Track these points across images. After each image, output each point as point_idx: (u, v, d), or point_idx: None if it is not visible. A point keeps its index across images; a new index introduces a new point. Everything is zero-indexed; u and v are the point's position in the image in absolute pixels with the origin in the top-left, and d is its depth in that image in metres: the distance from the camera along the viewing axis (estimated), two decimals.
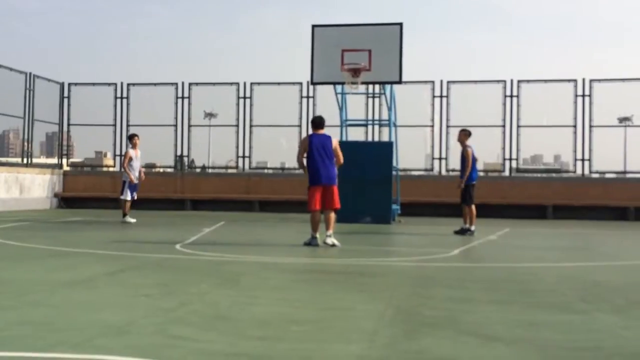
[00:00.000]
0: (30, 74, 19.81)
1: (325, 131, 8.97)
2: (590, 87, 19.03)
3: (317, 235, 8.60)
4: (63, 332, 3.48)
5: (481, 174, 20.21)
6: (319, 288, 5.28)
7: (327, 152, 8.75)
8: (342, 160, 8.92)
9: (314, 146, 8.69)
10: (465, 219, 11.32)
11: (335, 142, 8.89)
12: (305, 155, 8.82)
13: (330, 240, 8.43)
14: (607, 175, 19.47)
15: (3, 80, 18.53)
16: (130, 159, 13.35)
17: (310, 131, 9.13)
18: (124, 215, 13.05)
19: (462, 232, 11.20)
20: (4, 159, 21.17)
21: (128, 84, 21.23)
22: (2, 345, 3.19)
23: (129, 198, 13.24)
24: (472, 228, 11.23)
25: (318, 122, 9.06)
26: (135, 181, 13.31)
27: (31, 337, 3.35)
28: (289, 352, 3.17)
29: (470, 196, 11.36)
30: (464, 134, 11.76)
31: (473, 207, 11.32)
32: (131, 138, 13.85)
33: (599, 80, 19.18)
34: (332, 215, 8.70)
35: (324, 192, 8.64)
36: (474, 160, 11.51)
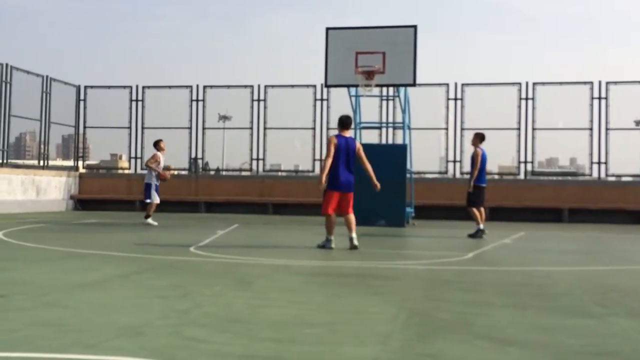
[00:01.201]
0: (47, 77, 20.01)
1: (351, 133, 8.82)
2: (607, 90, 18.89)
3: (333, 237, 8.52)
4: (78, 333, 3.50)
5: (496, 176, 20.20)
6: (333, 291, 5.28)
7: (351, 158, 8.55)
8: (368, 164, 8.71)
9: (341, 150, 8.47)
10: (480, 219, 11.35)
11: (358, 145, 8.72)
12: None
13: (356, 242, 8.40)
14: (624, 179, 19.30)
15: (20, 83, 18.75)
16: (158, 162, 13.39)
17: (330, 131, 9.03)
18: (147, 216, 13.03)
19: (476, 234, 11.20)
20: (20, 161, 21.39)
21: (143, 87, 21.38)
22: (18, 345, 3.22)
23: (157, 201, 13.26)
24: (482, 227, 11.23)
25: (347, 122, 8.77)
26: (156, 182, 13.33)
27: (47, 338, 3.38)
28: (302, 355, 3.17)
29: (477, 199, 11.41)
30: (477, 138, 11.78)
31: (481, 209, 11.36)
32: (158, 143, 13.81)
33: (615, 83, 19.04)
34: (352, 218, 8.55)
35: (341, 198, 8.53)
36: (484, 163, 11.54)
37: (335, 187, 8.49)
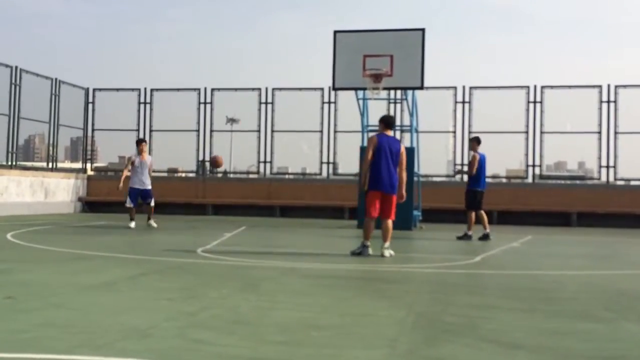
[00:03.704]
0: (56, 79, 20.11)
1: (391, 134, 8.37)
2: (616, 93, 18.82)
3: (369, 242, 7.97)
4: (85, 334, 3.51)
5: (503, 180, 20.15)
6: (340, 293, 5.27)
7: (394, 158, 8.01)
8: (405, 170, 8.25)
9: (383, 148, 7.95)
10: (484, 224, 11.41)
11: (402, 148, 8.21)
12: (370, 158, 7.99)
13: (388, 252, 7.93)
14: (633, 183, 19.20)
15: (30, 86, 18.83)
16: (132, 163, 12.95)
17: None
18: (130, 219, 12.76)
19: (485, 237, 11.23)
20: (29, 164, 21.49)
21: (151, 90, 21.45)
22: (25, 346, 3.23)
23: (127, 204, 12.84)
24: (470, 232, 11.35)
25: (390, 122, 8.38)
26: (136, 186, 12.87)
27: (54, 339, 3.39)
28: (310, 358, 3.16)
29: (473, 202, 11.48)
30: (474, 142, 12.04)
31: (474, 213, 11.51)
32: (138, 144, 13.39)
33: (625, 86, 18.97)
34: (390, 225, 8.05)
35: (382, 200, 7.99)
36: (483, 168, 11.62)
37: (376, 187, 7.95)
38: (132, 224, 12.60)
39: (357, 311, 4.44)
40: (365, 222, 8.07)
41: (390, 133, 8.31)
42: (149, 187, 13.05)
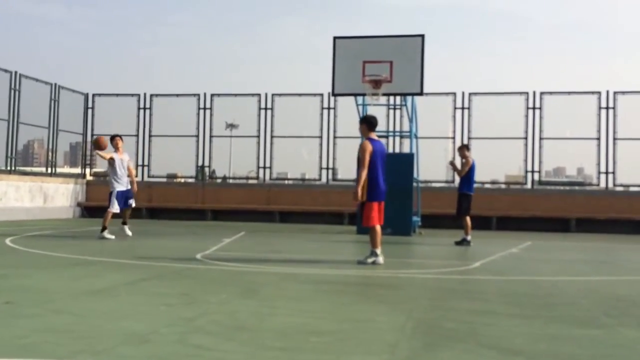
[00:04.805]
0: (55, 84, 20.14)
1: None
2: (614, 99, 18.86)
3: (380, 250, 7.80)
4: (85, 340, 3.51)
5: (503, 186, 20.17)
6: (339, 299, 5.27)
7: (384, 163, 7.95)
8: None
9: (378, 155, 7.80)
10: (466, 230, 11.48)
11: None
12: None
13: (381, 258, 7.87)
14: (632, 189, 19.22)
15: (29, 91, 18.86)
16: (112, 160, 11.37)
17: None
18: (103, 229, 11.17)
19: (462, 242, 11.34)
20: (28, 169, 21.48)
21: (151, 95, 21.48)
22: (25, 352, 3.22)
23: (114, 209, 11.38)
24: (468, 238, 11.32)
25: (374, 123, 8.13)
26: (122, 188, 11.51)
27: (53, 345, 3.39)
28: None
29: (465, 207, 11.50)
30: (465, 148, 12.14)
31: (468, 217, 11.53)
32: (112, 139, 11.68)
33: (623, 93, 19.00)
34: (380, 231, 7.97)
35: (379, 208, 7.89)
36: (472, 173, 11.69)
37: (376, 198, 7.80)
38: (111, 236, 11.18)
39: (356, 317, 4.44)
40: (374, 231, 7.81)
41: (374, 135, 8.11)
42: (130, 187, 11.76)
